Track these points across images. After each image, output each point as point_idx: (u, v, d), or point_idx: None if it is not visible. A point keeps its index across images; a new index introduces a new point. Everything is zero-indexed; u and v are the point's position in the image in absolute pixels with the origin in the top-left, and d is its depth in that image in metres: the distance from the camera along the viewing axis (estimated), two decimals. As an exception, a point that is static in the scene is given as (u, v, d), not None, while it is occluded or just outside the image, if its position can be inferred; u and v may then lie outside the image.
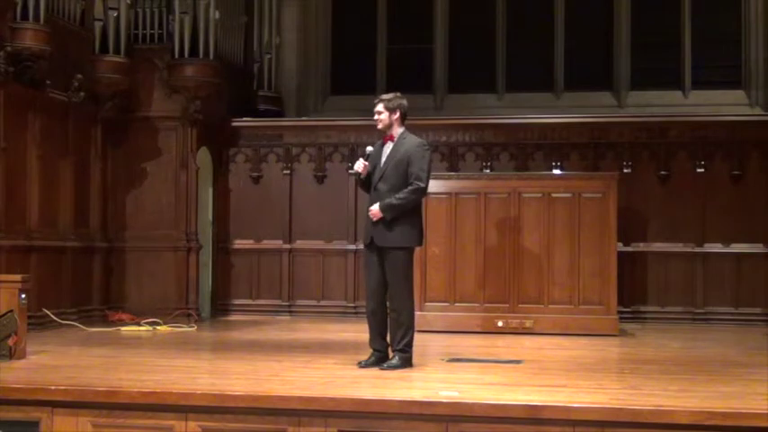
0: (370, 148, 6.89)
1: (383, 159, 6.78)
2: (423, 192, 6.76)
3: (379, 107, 6.81)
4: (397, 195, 6.66)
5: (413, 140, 6.83)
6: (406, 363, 6.75)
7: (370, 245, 6.77)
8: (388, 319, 6.80)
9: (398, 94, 6.95)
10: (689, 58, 12.41)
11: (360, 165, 6.83)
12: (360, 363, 6.78)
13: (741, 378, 6.43)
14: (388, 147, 6.80)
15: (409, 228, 6.75)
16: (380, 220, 6.67)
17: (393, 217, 6.65)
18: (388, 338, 6.85)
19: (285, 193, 11.74)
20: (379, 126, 6.84)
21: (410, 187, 6.67)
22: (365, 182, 6.92)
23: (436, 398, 5.41)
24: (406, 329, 6.75)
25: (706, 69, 12.42)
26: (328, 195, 11.57)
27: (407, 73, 13.06)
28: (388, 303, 6.82)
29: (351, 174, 7.00)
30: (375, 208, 6.67)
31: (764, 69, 12.09)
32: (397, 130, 6.83)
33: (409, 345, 6.78)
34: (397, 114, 6.80)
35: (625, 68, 12.57)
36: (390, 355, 6.81)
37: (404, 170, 6.69)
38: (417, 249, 9.67)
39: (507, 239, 9.71)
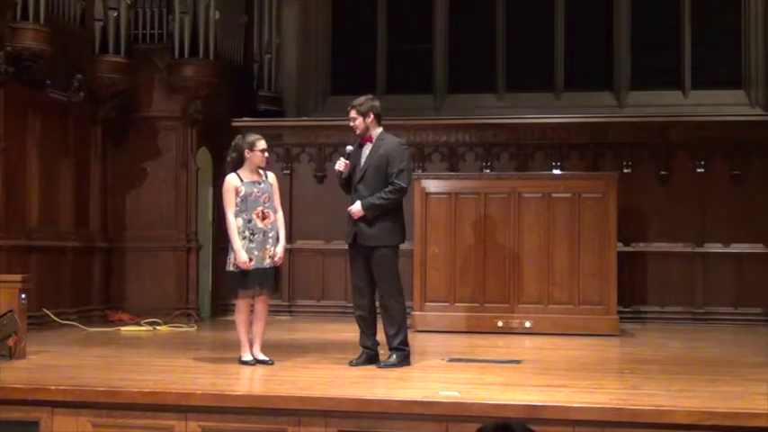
0: (350, 147, 6.95)
1: (362, 161, 6.85)
2: (404, 191, 6.86)
3: (352, 113, 6.90)
4: (379, 195, 6.74)
5: (391, 141, 6.91)
6: (404, 360, 6.79)
7: (354, 244, 6.83)
8: (385, 316, 6.84)
9: (370, 96, 7.05)
10: (689, 58, 12.39)
11: (341, 164, 6.91)
12: (351, 362, 6.82)
13: (741, 378, 6.43)
14: (367, 148, 6.88)
15: (391, 226, 6.83)
16: (361, 218, 6.74)
17: (374, 216, 6.72)
18: (382, 337, 6.89)
19: (285, 193, 11.68)
20: (357, 131, 6.92)
21: (391, 187, 6.76)
22: (346, 182, 6.96)
23: (436, 398, 5.42)
24: (399, 327, 6.81)
25: (706, 69, 12.40)
26: (328, 195, 11.53)
27: (407, 73, 13.05)
28: (377, 302, 6.89)
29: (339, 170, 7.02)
30: (356, 207, 6.76)
31: (764, 69, 12.07)
32: (375, 132, 6.91)
33: (404, 342, 6.83)
34: (371, 117, 6.88)
35: (625, 68, 12.55)
36: (381, 353, 6.86)
37: (384, 171, 6.78)
38: (418, 250, 9.80)
39: (507, 239, 9.71)
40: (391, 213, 6.82)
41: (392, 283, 6.81)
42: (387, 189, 6.74)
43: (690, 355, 8.27)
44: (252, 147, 6.88)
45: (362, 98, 6.95)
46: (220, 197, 7.07)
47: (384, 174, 6.76)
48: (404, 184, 6.80)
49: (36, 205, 9.77)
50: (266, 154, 6.96)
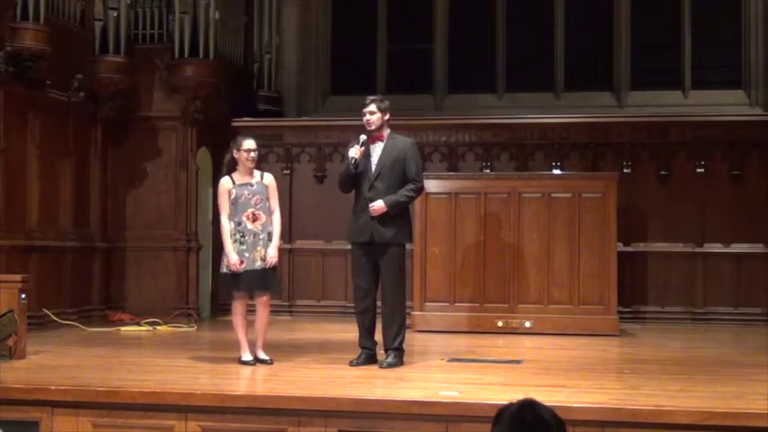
0: (363, 136, 6.90)
1: (375, 159, 6.83)
2: (422, 190, 7.08)
3: (373, 107, 6.86)
4: (403, 193, 6.79)
5: (404, 140, 6.99)
6: (401, 360, 6.84)
7: (367, 243, 6.80)
8: (387, 316, 6.84)
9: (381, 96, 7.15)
10: (689, 58, 12.39)
11: (356, 150, 6.81)
12: (351, 362, 6.82)
13: (741, 378, 6.43)
14: (379, 146, 6.88)
15: (405, 225, 6.95)
16: (381, 216, 6.73)
17: (395, 213, 6.76)
18: (380, 336, 6.90)
19: (285, 193, 11.68)
20: (372, 127, 6.88)
21: (413, 185, 6.85)
22: (349, 177, 6.86)
23: (436, 398, 5.42)
24: (400, 327, 6.85)
25: (706, 69, 12.40)
26: (328, 195, 11.53)
27: (407, 73, 13.05)
28: (379, 302, 6.90)
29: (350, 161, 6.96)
30: (379, 204, 6.72)
31: (764, 69, 12.06)
32: (386, 131, 6.93)
33: (403, 341, 6.87)
34: (388, 116, 6.94)
35: (625, 68, 12.55)
36: (381, 353, 6.87)
37: (400, 169, 6.83)
38: (418, 250, 9.81)
39: (507, 239, 9.71)
40: (405, 213, 6.93)
41: (399, 282, 6.86)
42: (410, 187, 6.81)
43: (690, 355, 8.28)
44: (239, 147, 6.93)
45: (379, 96, 7.09)
46: (218, 199, 7.12)
47: (400, 172, 6.80)
48: (422, 184, 7.02)
49: (36, 205, 9.77)
50: (252, 154, 6.92)
